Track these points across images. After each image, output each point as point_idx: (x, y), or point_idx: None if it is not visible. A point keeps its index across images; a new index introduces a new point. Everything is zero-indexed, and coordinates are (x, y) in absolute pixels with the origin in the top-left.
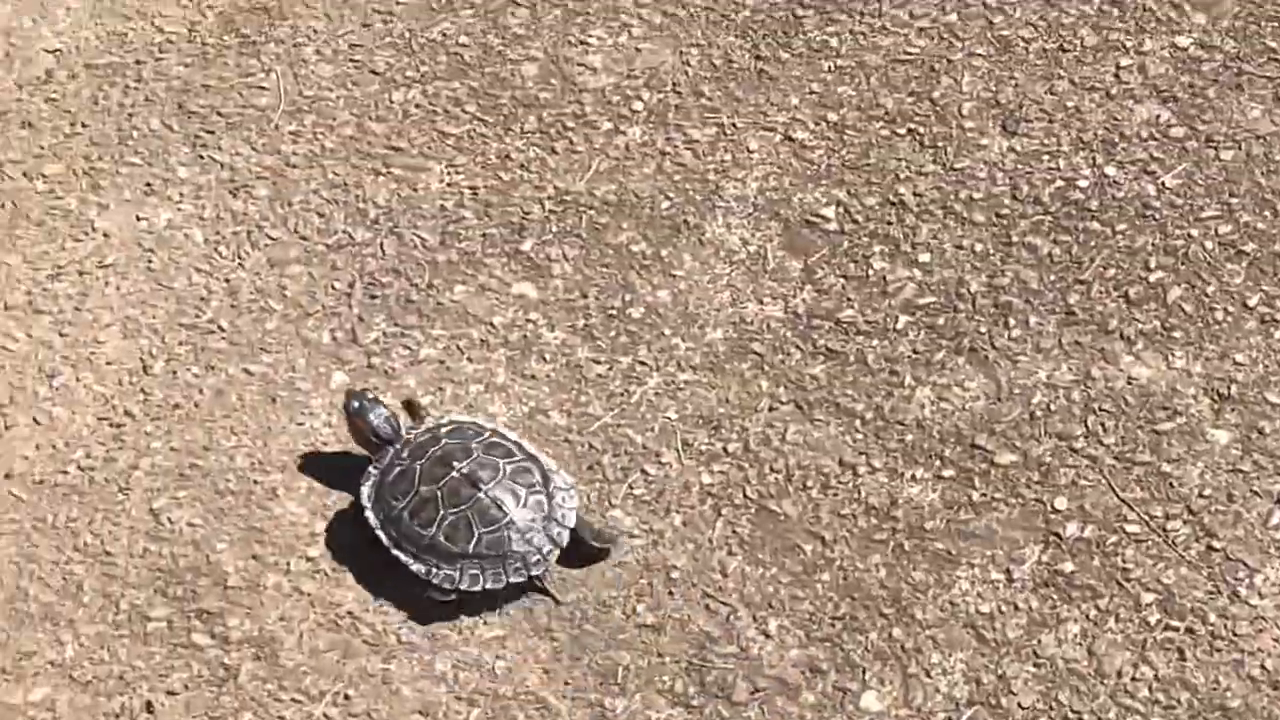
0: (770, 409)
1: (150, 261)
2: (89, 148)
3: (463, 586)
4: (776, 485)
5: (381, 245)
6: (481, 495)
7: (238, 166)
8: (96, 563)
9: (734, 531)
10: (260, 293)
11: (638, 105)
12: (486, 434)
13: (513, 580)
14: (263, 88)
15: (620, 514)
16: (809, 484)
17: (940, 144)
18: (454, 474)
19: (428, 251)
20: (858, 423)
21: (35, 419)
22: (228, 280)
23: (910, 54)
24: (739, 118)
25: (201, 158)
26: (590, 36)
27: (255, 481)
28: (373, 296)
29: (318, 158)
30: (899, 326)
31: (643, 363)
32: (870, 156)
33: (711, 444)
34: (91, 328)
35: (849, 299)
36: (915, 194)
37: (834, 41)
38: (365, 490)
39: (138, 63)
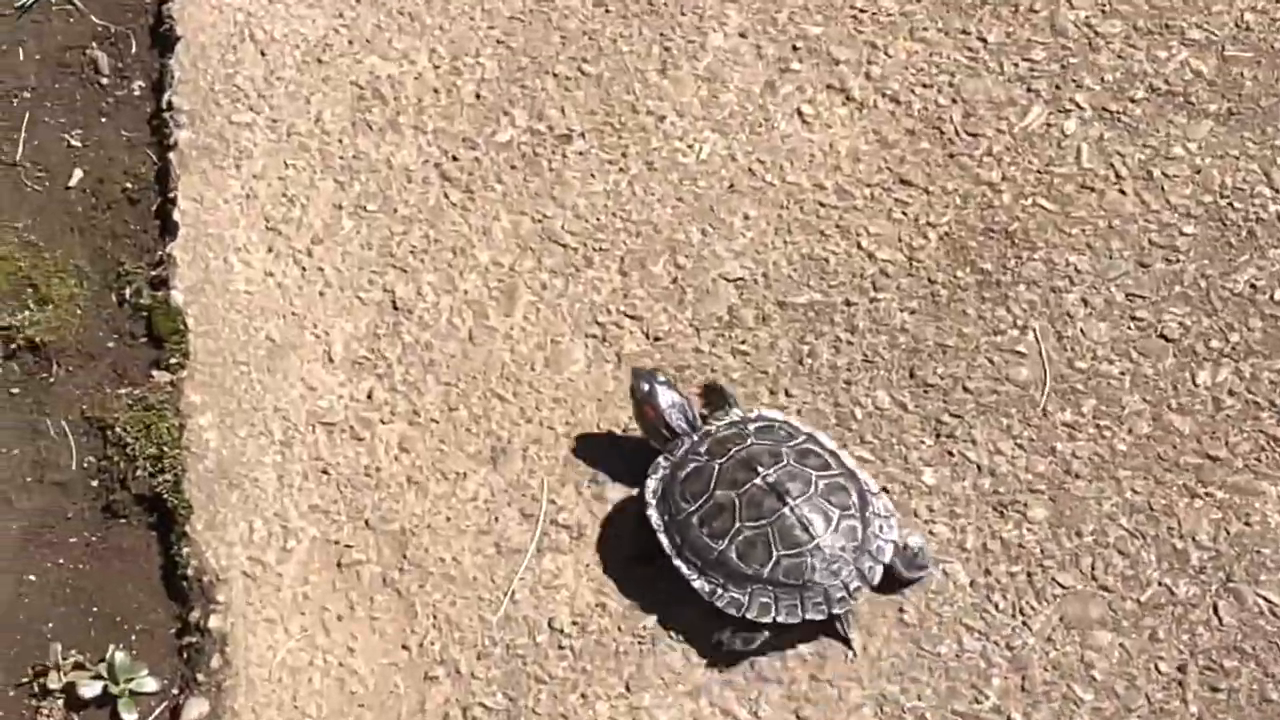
0: None
1: (903, 612)
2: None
3: (749, 615)
4: None
5: (1215, 608)
6: (787, 511)
7: (1000, 470)
8: None
9: None
10: (1055, 668)
11: None
12: (801, 439)
13: (809, 617)
14: (1018, 352)
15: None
16: None
17: None
18: (758, 481)
19: None
20: None
21: None
22: (1010, 649)
23: None
24: None
25: (950, 454)
26: None
27: None
28: (1214, 689)
29: (1107, 465)
30: None
31: None
32: None
33: None
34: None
35: None
36: None
37: None
38: (651, 484)
39: (847, 304)
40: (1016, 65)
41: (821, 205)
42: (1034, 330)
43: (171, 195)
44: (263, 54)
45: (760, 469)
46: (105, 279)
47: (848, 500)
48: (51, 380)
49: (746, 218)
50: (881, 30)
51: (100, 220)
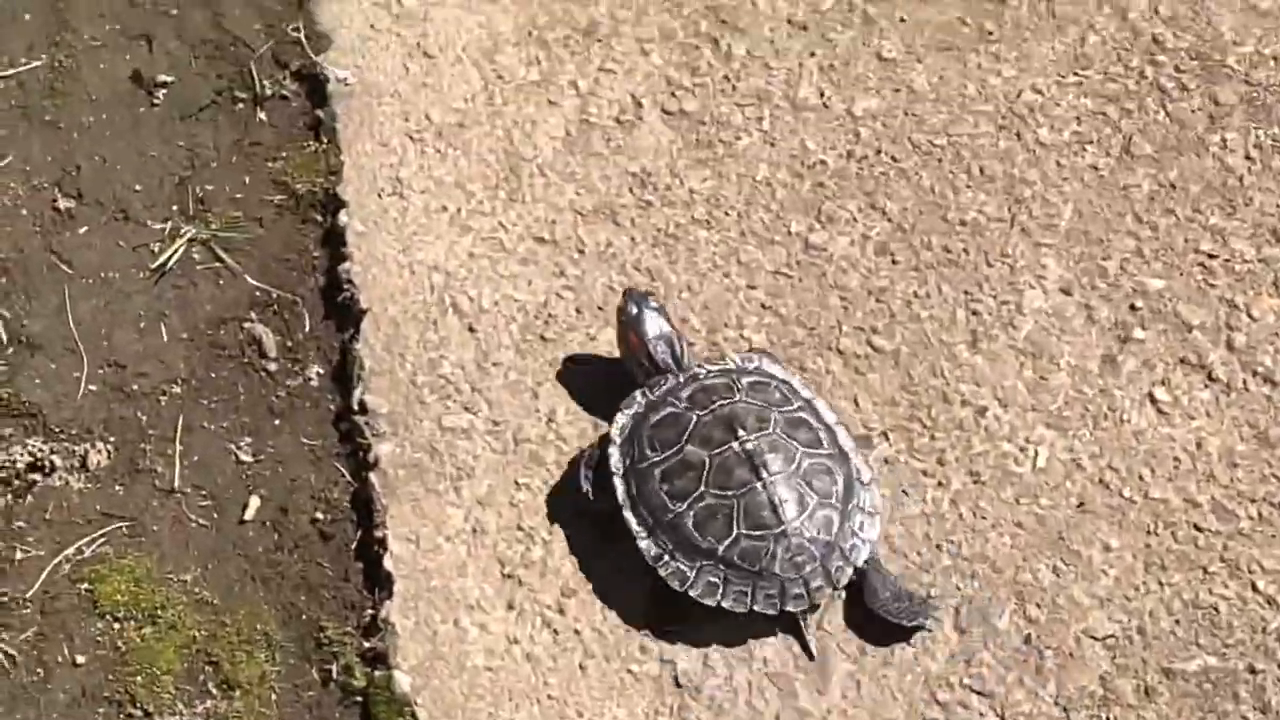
0: None
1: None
2: None
3: (693, 593)
4: None
5: None
6: (759, 487)
7: None
8: None
9: None
10: None
11: None
12: (796, 405)
13: (758, 609)
14: None
15: None
16: None
17: None
18: (735, 445)
19: None
20: None
21: None
22: None
23: None
24: None
25: None
26: None
27: None
28: None
29: None
30: None
31: None
32: None
33: None
34: None
35: None
36: None
37: None
38: (621, 420)
39: (1251, 671)
40: None
41: (1199, 530)
42: None
43: (378, 533)
44: (471, 330)
45: (740, 432)
46: (302, 648)
47: (831, 486)
48: None
49: (1107, 549)
50: (1238, 283)
51: (287, 566)
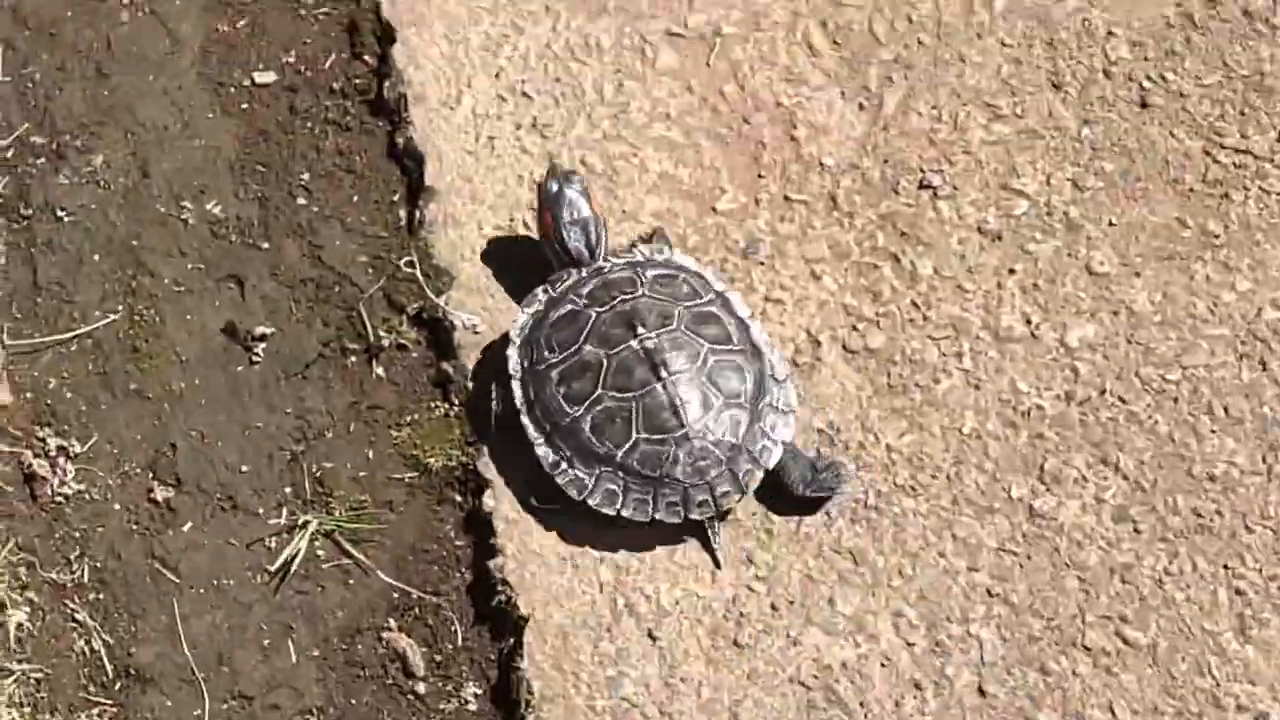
0: None
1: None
2: None
3: (592, 502)
4: None
5: None
6: (659, 387)
7: None
8: None
9: None
10: None
11: None
12: (706, 299)
13: (660, 518)
14: None
15: None
16: None
17: None
18: (634, 343)
19: None
20: None
21: None
22: None
23: None
24: None
25: None
26: None
27: None
28: None
29: None
30: None
31: None
32: None
33: None
34: None
35: None
36: None
37: None
38: (520, 320)
39: None
40: None
41: None
42: None
43: None
44: (652, 637)
45: (640, 329)
46: None
47: (739, 385)
48: None
49: None
50: None
51: None
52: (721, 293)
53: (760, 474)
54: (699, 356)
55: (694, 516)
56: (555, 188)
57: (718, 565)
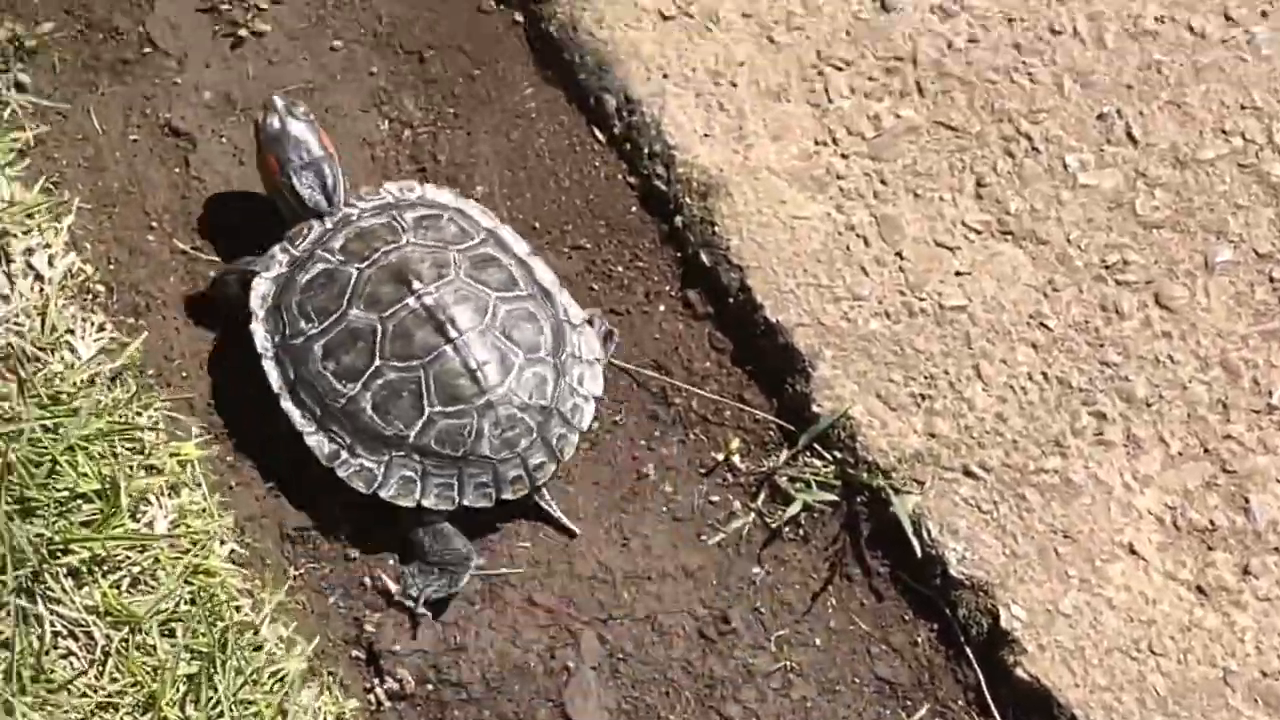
0: None
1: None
2: None
3: (385, 495)
4: None
5: None
6: (449, 350)
7: None
8: None
9: None
10: None
11: None
12: (478, 239)
13: (470, 503)
14: None
15: None
16: None
17: None
18: (411, 301)
19: None
20: None
21: None
22: None
23: None
24: None
25: None
26: None
27: None
28: None
29: None
30: None
31: None
32: None
33: None
34: None
35: None
36: None
37: None
38: (260, 288)
39: None
40: None
41: None
42: None
43: None
44: None
45: (416, 284)
46: None
47: (537, 337)
48: None
49: None
50: None
51: None
52: (492, 230)
53: (576, 438)
54: (487, 308)
55: (508, 497)
56: (276, 125)
57: (571, 534)
